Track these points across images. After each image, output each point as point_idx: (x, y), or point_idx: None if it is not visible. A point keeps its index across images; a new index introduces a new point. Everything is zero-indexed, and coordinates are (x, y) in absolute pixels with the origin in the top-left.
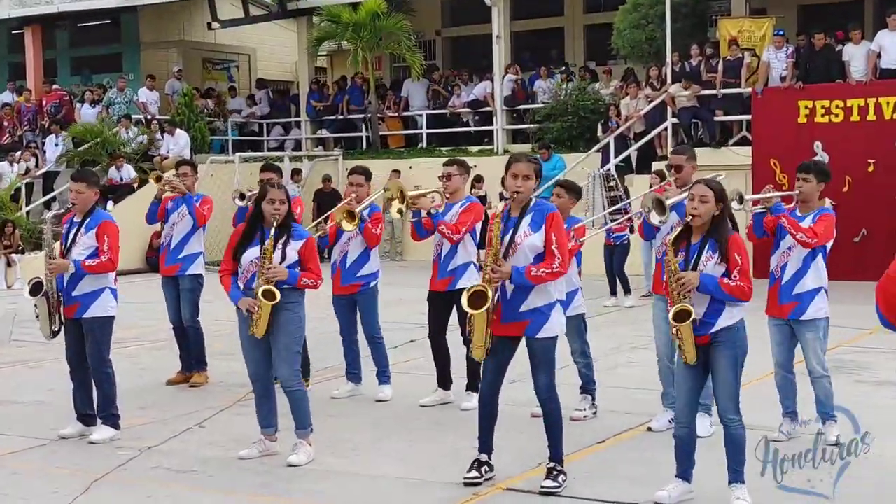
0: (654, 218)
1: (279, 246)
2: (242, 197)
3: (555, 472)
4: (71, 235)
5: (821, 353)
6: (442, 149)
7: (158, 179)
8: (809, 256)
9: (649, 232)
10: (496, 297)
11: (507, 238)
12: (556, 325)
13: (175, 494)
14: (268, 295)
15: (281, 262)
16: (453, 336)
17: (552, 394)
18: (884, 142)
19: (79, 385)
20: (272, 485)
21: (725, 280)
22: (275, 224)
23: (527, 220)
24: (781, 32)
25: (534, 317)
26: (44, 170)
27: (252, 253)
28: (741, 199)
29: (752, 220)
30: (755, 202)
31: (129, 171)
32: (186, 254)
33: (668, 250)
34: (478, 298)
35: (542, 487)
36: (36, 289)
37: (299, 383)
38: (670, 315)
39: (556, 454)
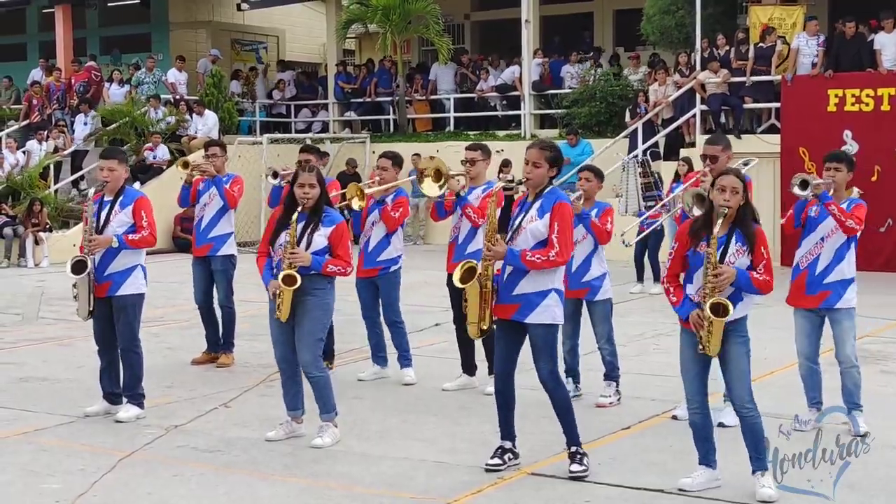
0: (697, 212)
1: (306, 232)
2: (276, 175)
3: (578, 455)
4: (104, 214)
5: (854, 341)
6: (469, 133)
7: (186, 166)
8: (845, 246)
9: None
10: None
11: (518, 220)
12: (549, 313)
13: (201, 474)
14: (288, 280)
15: (307, 249)
16: None
17: (556, 382)
18: None
19: (107, 364)
20: (298, 466)
21: (754, 274)
22: (299, 208)
23: (537, 205)
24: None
25: (524, 301)
26: (72, 149)
27: (284, 237)
28: (805, 185)
29: (793, 210)
30: (816, 187)
31: (164, 151)
32: (217, 234)
33: (711, 241)
34: (469, 274)
35: (571, 472)
36: (79, 267)
37: (321, 369)
38: (706, 308)
39: (572, 438)
